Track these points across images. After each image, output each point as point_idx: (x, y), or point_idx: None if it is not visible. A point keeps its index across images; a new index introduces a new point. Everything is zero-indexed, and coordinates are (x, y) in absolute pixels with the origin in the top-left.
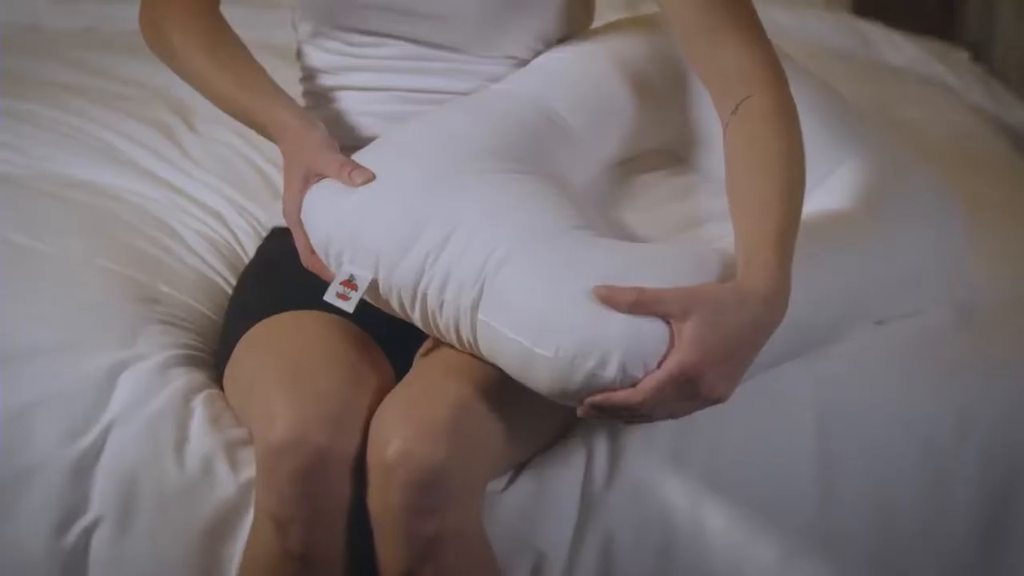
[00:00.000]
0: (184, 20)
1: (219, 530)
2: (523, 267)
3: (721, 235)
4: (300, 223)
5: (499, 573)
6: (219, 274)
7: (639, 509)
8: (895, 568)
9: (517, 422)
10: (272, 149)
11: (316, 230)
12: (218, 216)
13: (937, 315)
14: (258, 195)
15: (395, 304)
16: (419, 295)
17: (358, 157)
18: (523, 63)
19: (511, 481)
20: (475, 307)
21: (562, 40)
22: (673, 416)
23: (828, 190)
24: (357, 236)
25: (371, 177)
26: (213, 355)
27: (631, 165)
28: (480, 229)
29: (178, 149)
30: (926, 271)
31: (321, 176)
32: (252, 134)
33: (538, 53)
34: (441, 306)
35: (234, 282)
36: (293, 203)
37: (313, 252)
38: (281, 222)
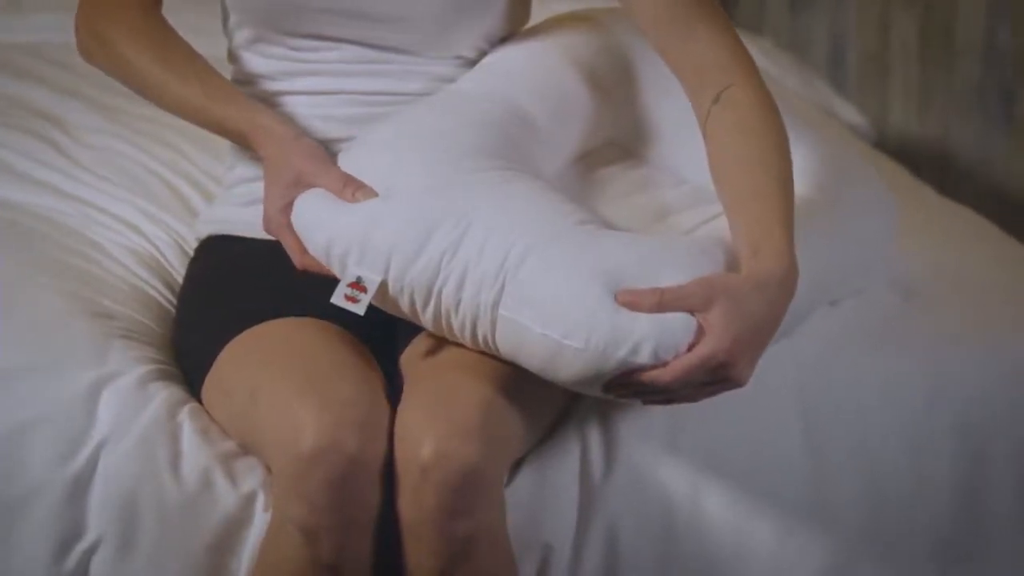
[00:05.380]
0: (131, 29)
1: (223, 544)
2: (545, 261)
3: (692, 224)
4: (287, 227)
5: (517, 569)
6: (152, 286)
7: (638, 496)
8: (884, 537)
9: (530, 415)
10: (171, 156)
11: (314, 234)
12: (135, 228)
13: (882, 294)
14: (169, 204)
15: (404, 305)
16: (433, 295)
17: (343, 157)
18: (470, 63)
19: (511, 476)
20: (495, 304)
21: (504, 39)
22: (693, 399)
23: None
24: (365, 238)
25: (373, 196)
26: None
27: (587, 160)
28: (495, 226)
29: (71, 161)
30: (872, 253)
31: (315, 187)
32: (141, 142)
33: (483, 53)
34: (457, 305)
35: (167, 294)
36: (278, 208)
37: (306, 252)
38: (212, 231)
